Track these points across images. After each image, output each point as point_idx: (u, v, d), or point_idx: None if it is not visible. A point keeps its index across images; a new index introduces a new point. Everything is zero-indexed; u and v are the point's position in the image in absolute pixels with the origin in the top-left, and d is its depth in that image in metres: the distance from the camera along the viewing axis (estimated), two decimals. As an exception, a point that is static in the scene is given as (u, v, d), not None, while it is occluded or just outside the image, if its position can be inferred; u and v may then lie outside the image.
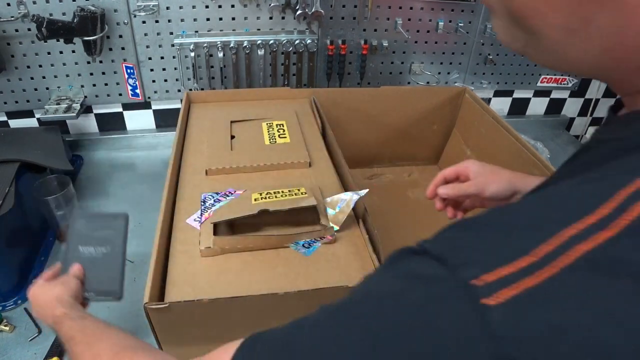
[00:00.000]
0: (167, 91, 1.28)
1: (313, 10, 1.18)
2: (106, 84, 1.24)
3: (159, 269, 0.61)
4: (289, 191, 0.73)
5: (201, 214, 0.72)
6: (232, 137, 0.94)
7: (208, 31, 1.21)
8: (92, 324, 0.54)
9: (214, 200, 0.75)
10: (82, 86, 1.23)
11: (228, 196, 0.76)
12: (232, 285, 0.61)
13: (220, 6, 1.17)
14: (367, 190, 0.71)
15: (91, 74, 1.21)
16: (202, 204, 0.75)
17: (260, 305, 0.58)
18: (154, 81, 1.26)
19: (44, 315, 0.58)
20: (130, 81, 1.24)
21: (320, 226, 0.69)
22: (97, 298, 0.64)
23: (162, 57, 1.22)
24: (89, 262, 0.64)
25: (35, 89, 1.21)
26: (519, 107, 1.54)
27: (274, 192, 0.73)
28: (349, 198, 0.70)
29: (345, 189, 0.81)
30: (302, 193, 0.72)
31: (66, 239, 0.66)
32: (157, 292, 0.58)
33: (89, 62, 1.19)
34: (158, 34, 1.19)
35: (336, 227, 0.70)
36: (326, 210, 0.71)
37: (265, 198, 0.71)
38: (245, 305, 0.58)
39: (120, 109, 1.31)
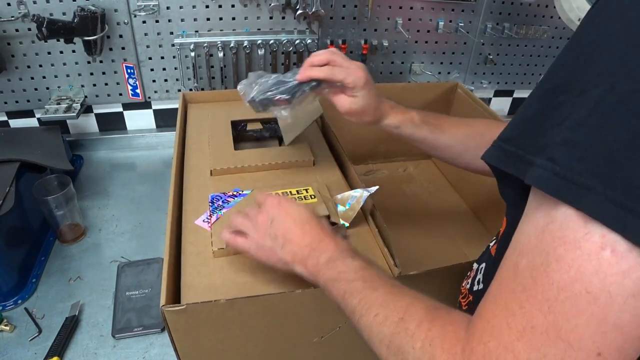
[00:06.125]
0: (167, 91, 1.27)
1: (313, 10, 1.19)
2: (106, 84, 1.23)
3: (172, 271, 0.60)
4: (297, 192, 0.75)
5: (210, 215, 0.72)
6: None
7: (208, 31, 1.20)
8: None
9: (222, 201, 0.75)
10: (83, 86, 1.22)
11: (236, 197, 0.76)
12: (247, 285, 0.61)
13: (220, 6, 1.17)
14: (377, 187, 0.71)
15: (91, 73, 1.21)
16: (211, 204, 0.74)
17: (277, 304, 0.58)
18: (154, 81, 1.25)
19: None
20: (131, 81, 1.23)
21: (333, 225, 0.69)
22: None
23: (162, 57, 1.22)
24: None
25: (36, 89, 1.20)
26: (519, 107, 1.54)
27: (282, 194, 0.74)
28: (360, 195, 0.70)
29: (350, 186, 0.81)
30: (310, 196, 0.74)
31: None
32: (172, 294, 0.58)
33: (89, 62, 1.18)
34: (158, 33, 1.18)
35: (347, 224, 0.70)
36: (336, 206, 0.71)
37: None
38: (262, 305, 0.58)
39: (120, 109, 1.30)
